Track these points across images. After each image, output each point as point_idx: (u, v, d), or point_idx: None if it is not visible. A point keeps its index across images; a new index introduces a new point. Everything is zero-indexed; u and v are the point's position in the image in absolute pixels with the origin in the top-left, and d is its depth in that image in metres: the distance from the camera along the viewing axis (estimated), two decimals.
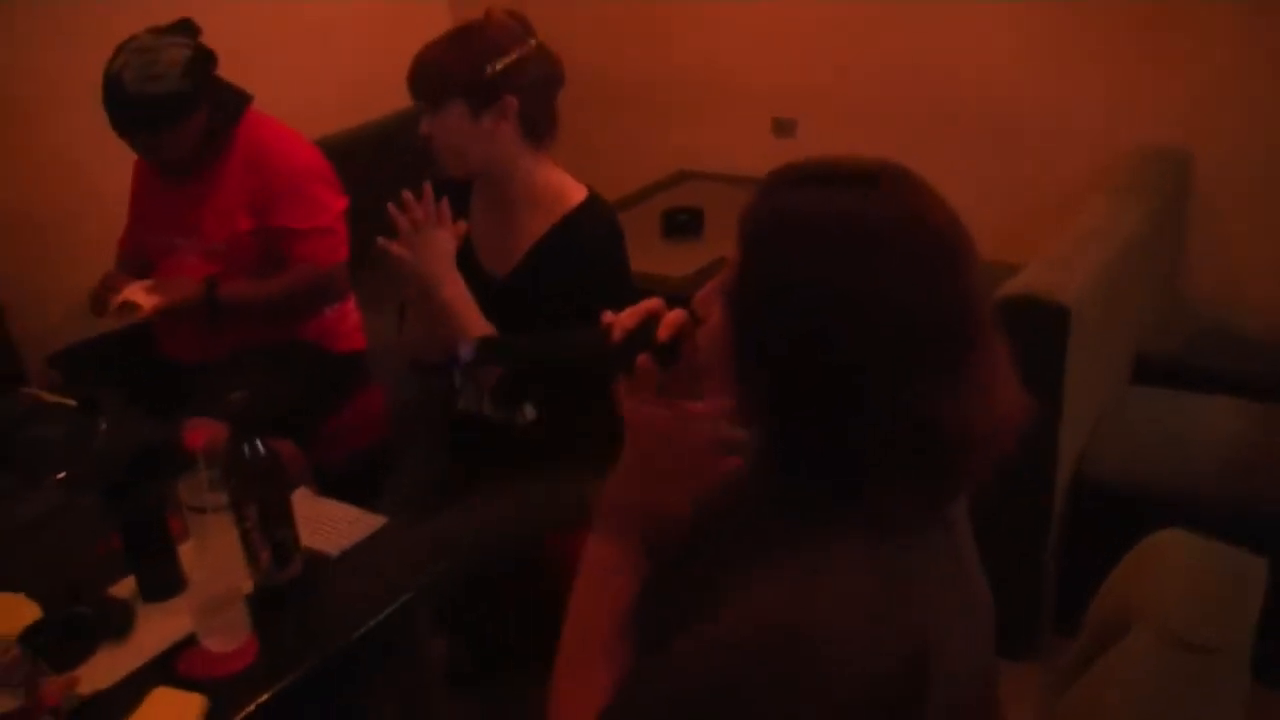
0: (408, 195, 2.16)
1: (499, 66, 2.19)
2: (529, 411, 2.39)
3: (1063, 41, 3.79)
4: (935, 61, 4.04)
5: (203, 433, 2.02)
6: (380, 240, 2.19)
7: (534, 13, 2.36)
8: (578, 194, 2.32)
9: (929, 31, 4.03)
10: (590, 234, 2.29)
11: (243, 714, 1.64)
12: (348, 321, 3.07)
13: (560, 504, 2.42)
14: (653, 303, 1.31)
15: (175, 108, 2.64)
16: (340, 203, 2.88)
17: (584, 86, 4.75)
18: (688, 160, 4.73)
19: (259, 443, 1.77)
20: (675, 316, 1.28)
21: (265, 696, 1.67)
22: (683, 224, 4.02)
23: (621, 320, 1.30)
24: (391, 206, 2.16)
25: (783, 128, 4.50)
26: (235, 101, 2.83)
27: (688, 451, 1.24)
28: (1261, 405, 3.03)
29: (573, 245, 2.28)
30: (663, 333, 1.28)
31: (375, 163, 3.81)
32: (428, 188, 2.17)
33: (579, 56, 4.66)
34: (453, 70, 2.20)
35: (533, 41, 2.26)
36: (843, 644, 1.03)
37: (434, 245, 2.17)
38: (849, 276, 1.05)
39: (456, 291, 2.20)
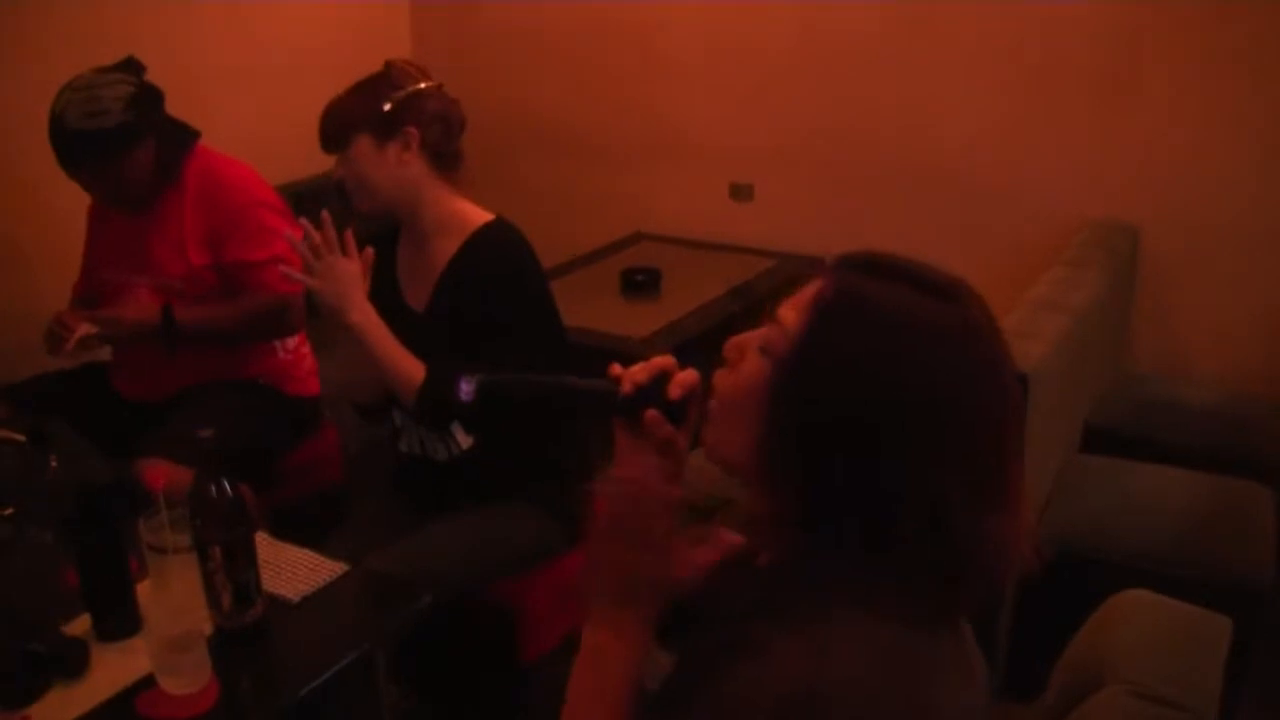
0: (305, 223, 2.22)
1: (397, 98, 2.29)
2: (462, 439, 2.40)
3: (1021, 118, 3.89)
4: (894, 132, 4.12)
5: (164, 472, 1.99)
6: (281, 269, 2.30)
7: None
8: (480, 218, 2.38)
9: (889, 102, 4.12)
10: (492, 251, 2.33)
11: None
12: (303, 365, 3.05)
13: (510, 545, 2.42)
14: (665, 360, 1.30)
15: (118, 142, 2.64)
16: (294, 232, 2.87)
17: (542, 147, 4.83)
18: (644, 222, 4.78)
19: (225, 483, 1.76)
20: (687, 377, 1.29)
21: None
22: (640, 284, 4.05)
23: (632, 374, 1.29)
24: (288, 235, 2.24)
25: (740, 192, 4.57)
26: (183, 137, 2.83)
27: (649, 512, 1.22)
28: (1206, 475, 3.08)
29: (476, 264, 2.33)
30: (674, 391, 1.28)
31: (333, 213, 3.82)
32: (326, 215, 2.22)
33: (538, 119, 4.74)
34: (353, 110, 2.30)
35: (429, 82, 2.35)
36: (856, 714, 1.02)
37: (336, 271, 2.22)
38: (917, 380, 1.06)
39: (364, 317, 2.23)
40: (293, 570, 2.03)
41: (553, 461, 2.48)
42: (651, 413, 1.26)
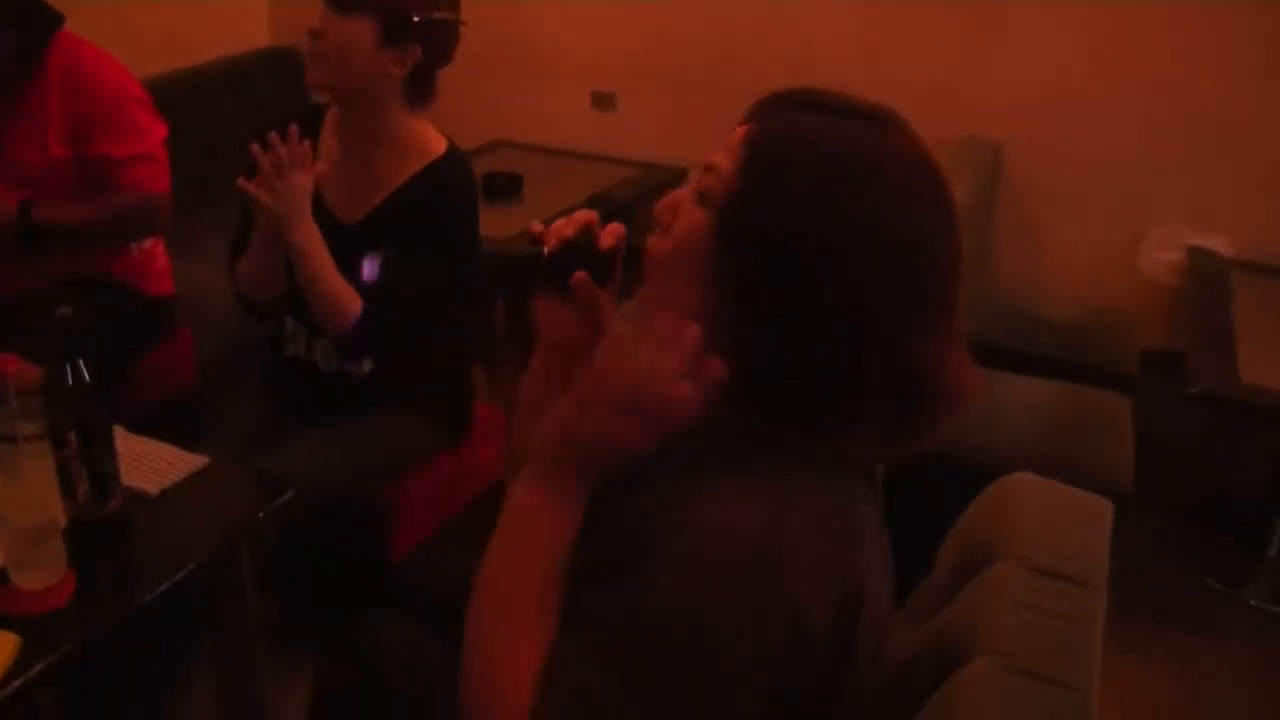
0: (274, 136, 2.07)
1: (427, 17, 2.16)
2: (365, 363, 2.32)
3: (889, 29, 3.90)
4: (759, 39, 4.10)
5: (13, 360, 1.88)
6: (240, 181, 2.11)
7: None
8: (440, 145, 2.30)
9: (757, 14, 4.09)
10: (451, 184, 2.27)
11: (58, 654, 1.53)
12: (157, 264, 2.93)
13: (390, 454, 2.36)
14: (588, 214, 1.25)
15: None
16: (161, 129, 2.74)
17: None
18: (505, 130, 4.68)
19: (83, 365, 1.65)
20: (616, 227, 1.24)
21: (83, 636, 1.57)
22: (502, 187, 3.99)
23: (557, 229, 1.22)
24: (255, 146, 2.07)
25: (602, 101, 4.51)
26: (46, 20, 2.65)
27: (655, 379, 1.07)
28: (1069, 385, 3.16)
29: (435, 193, 2.25)
30: (606, 240, 1.22)
31: (188, 112, 3.67)
32: (293, 129, 2.08)
33: None
34: None
35: (460, 17, 2.27)
36: (808, 570, 1.01)
37: (292, 187, 2.09)
38: (862, 214, 1.04)
39: (309, 235, 2.12)
40: (151, 463, 1.93)
41: (439, 369, 2.42)
42: (579, 274, 1.18)
